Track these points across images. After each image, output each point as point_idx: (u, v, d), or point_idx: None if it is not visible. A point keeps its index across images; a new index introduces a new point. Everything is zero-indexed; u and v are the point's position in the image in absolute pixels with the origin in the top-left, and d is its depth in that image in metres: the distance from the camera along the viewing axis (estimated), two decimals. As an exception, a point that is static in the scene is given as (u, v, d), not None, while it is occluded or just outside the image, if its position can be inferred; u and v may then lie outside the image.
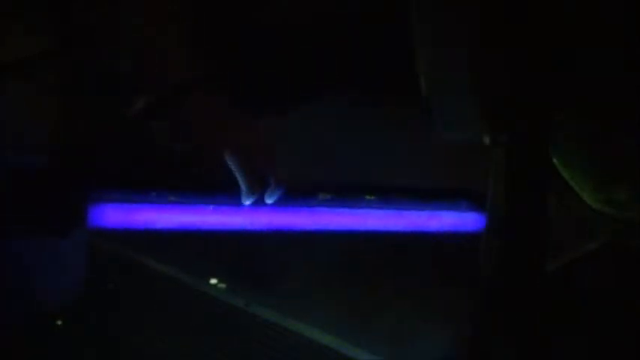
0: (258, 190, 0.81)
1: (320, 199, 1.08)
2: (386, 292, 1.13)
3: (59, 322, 1.03)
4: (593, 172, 0.82)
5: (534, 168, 0.83)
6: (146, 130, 0.89)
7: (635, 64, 0.76)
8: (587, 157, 0.82)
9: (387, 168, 1.09)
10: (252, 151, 0.82)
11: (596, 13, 0.76)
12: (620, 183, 0.81)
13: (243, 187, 0.84)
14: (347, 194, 1.08)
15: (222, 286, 1.15)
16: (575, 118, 0.80)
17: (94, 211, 1.11)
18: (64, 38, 0.76)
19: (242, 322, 1.11)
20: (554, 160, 0.85)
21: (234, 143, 0.81)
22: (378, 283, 1.14)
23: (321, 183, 1.02)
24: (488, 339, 0.96)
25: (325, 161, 1.08)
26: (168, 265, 1.17)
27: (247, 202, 0.85)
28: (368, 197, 1.09)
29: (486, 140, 0.87)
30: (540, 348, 0.88)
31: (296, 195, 1.01)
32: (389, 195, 1.07)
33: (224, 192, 0.98)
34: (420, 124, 0.88)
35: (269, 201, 0.87)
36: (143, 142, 0.93)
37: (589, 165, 0.82)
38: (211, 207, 1.04)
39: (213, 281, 1.16)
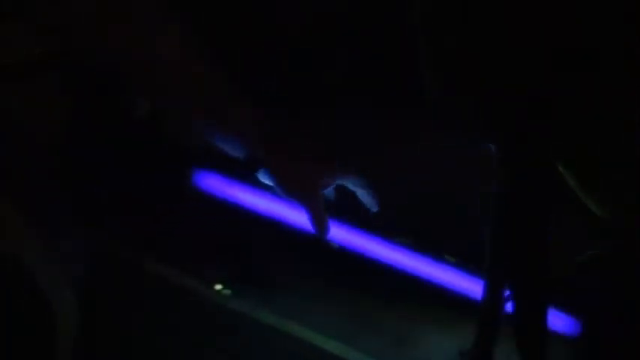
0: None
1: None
2: (389, 297, 1.12)
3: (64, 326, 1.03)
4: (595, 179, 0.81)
5: (536, 170, 0.82)
6: None
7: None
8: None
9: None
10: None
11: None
12: (622, 191, 0.80)
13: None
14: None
15: (228, 291, 1.15)
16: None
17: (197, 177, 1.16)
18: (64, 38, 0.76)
19: (246, 327, 1.11)
20: (558, 165, 0.84)
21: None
22: (381, 287, 1.14)
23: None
24: (491, 348, 0.95)
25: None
26: (174, 271, 1.18)
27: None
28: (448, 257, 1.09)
29: (488, 142, 0.86)
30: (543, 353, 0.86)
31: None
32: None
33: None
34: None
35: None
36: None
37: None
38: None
39: (218, 287, 1.16)
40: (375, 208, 0.85)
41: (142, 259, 1.15)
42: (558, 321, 1.01)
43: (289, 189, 0.82)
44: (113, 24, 0.73)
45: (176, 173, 1.23)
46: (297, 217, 1.16)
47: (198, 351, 1.11)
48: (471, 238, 0.90)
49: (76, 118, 0.96)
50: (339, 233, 1.13)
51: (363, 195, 0.85)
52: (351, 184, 0.84)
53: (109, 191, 1.10)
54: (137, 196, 1.21)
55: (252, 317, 1.10)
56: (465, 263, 1.07)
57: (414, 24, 0.81)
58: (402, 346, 1.02)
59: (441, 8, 0.80)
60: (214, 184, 1.22)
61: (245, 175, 1.11)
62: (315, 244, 1.17)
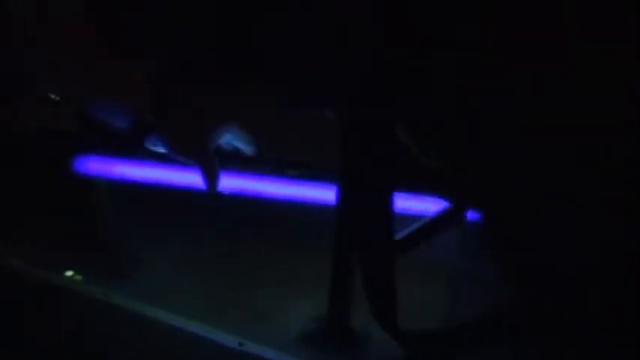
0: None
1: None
2: (248, 272, 1.12)
3: None
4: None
5: (377, 142, 0.83)
6: None
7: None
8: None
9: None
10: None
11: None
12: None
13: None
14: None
15: (79, 277, 1.12)
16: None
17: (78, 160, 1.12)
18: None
19: (100, 313, 1.08)
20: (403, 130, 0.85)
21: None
22: (239, 263, 1.14)
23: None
24: (345, 312, 0.97)
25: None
26: (22, 261, 1.13)
27: None
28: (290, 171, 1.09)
29: (330, 115, 0.87)
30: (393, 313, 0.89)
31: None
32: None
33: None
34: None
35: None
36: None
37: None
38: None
39: (69, 273, 1.12)
40: (254, 154, 0.94)
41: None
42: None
43: (181, 148, 0.87)
44: None
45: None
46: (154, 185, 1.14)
47: (55, 339, 1.07)
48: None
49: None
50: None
51: (244, 145, 0.92)
52: (233, 137, 0.91)
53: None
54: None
55: (106, 302, 1.07)
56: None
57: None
58: (261, 320, 1.03)
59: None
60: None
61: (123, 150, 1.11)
62: (168, 220, 1.17)
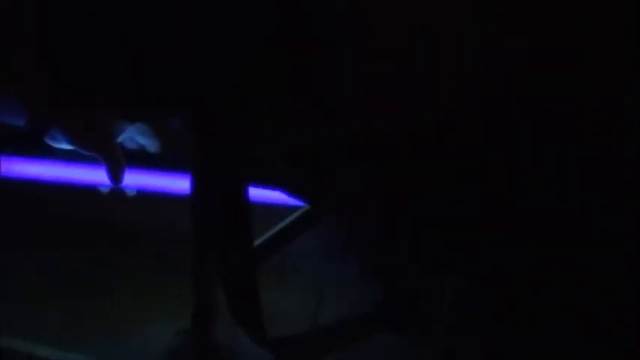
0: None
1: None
2: (104, 292, 1.09)
3: None
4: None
5: (224, 150, 0.82)
6: None
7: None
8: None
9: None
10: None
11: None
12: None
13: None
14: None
15: None
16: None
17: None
18: None
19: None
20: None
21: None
22: (97, 278, 1.10)
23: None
24: (210, 323, 0.95)
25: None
26: None
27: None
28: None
29: (178, 124, 0.85)
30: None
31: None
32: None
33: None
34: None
35: None
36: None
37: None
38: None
39: None
40: (156, 149, 0.91)
41: None
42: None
43: (84, 141, 0.84)
44: None
45: None
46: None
47: None
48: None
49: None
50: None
51: (148, 141, 0.90)
52: (136, 133, 0.89)
53: None
54: None
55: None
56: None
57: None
58: (119, 339, 0.99)
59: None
60: None
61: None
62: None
